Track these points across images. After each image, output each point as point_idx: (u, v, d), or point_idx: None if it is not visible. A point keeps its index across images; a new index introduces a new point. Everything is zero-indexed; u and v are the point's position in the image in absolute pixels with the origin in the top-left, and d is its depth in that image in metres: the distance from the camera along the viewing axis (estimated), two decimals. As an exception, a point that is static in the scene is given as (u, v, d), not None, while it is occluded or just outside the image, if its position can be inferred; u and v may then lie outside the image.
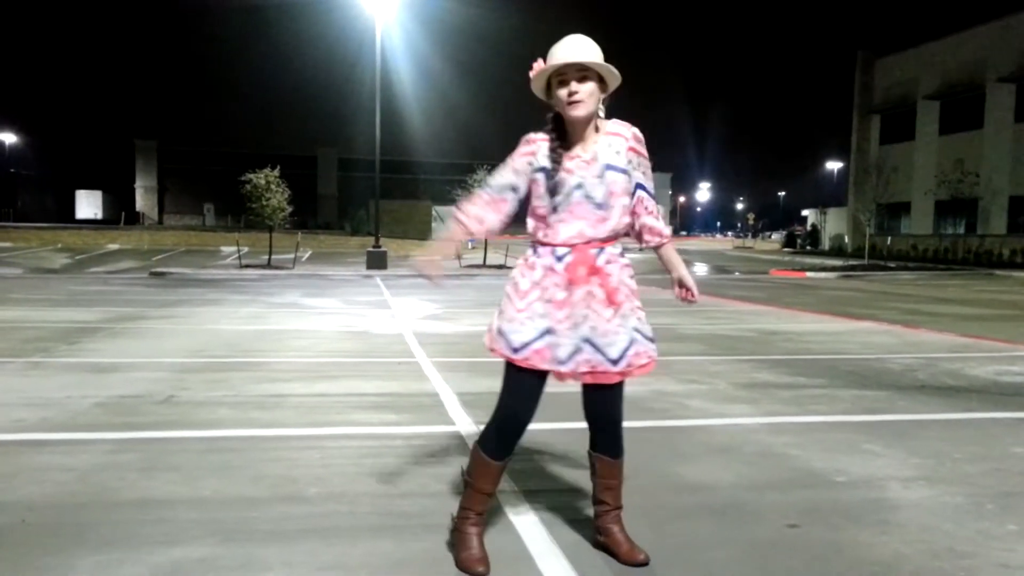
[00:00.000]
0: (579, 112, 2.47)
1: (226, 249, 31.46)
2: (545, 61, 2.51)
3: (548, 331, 2.50)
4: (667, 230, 2.68)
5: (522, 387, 2.55)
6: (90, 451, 3.96)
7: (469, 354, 7.31)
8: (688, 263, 30.99)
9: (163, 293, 14.33)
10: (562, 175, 2.51)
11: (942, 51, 36.89)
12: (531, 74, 2.53)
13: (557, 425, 4.51)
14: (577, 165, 2.51)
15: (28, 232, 39.40)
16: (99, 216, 69.90)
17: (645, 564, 2.64)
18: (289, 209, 22.48)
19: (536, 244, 2.58)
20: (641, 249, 2.83)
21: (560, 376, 2.54)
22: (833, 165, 68.26)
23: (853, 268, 26.18)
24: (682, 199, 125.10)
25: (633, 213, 2.63)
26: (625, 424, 4.66)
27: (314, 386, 5.74)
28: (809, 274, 24.09)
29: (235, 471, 3.68)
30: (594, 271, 2.50)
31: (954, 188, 33.08)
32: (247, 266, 22.25)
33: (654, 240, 2.66)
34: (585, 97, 2.46)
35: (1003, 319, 11.24)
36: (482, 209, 2.63)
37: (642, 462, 3.88)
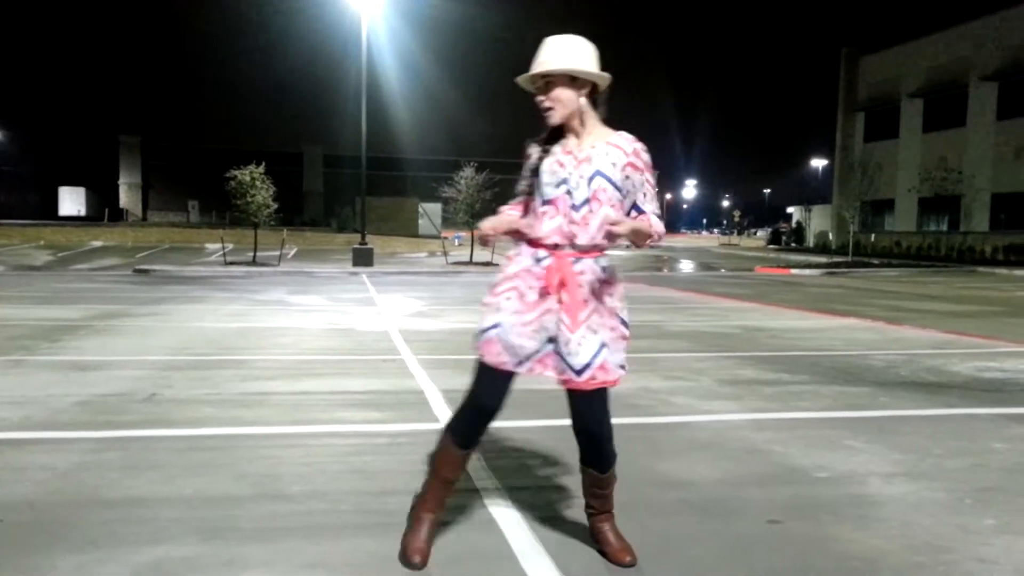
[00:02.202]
0: (552, 119, 2.53)
1: (211, 246, 31.28)
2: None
3: (499, 325, 2.52)
4: (658, 229, 2.58)
5: (486, 378, 2.58)
6: (71, 450, 3.94)
7: (454, 351, 7.31)
8: (674, 260, 30.77)
9: (147, 290, 14.23)
10: (553, 166, 2.54)
11: (926, 49, 37.14)
12: (521, 79, 2.57)
13: (541, 423, 4.53)
14: (568, 161, 2.54)
15: (10, 229, 39.02)
16: (82, 213, 69.29)
17: (631, 566, 2.65)
18: (274, 206, 22.36)
19: (520, 239, 2.61)
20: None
21: (513, 371, 2.56)
22: (818, 163, 68.48)
23: (837, 265, 26.34)
24: (668, 196, 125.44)
25: None
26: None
27: (298, 384, 5.72)
28: (794, 271, 24.24)
29: (218, 470, 3.66)
30: (566, 282, 2.50)
31: (937, 186, 33.34)
32: (232, 263, 22.13)
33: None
34: (553, 103, 2.51)
35: (984, 315, 11.34)
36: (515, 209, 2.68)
37: (625, 458, 3.89)
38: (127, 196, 76.15)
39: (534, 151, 2.62)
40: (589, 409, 2.59)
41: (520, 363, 2.54)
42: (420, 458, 3.89)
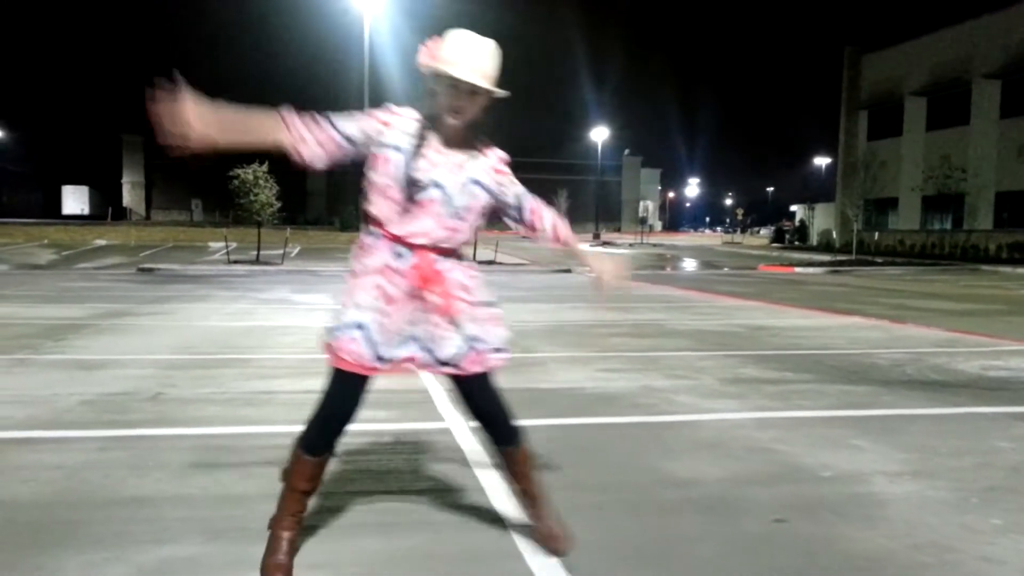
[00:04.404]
0: (459, 122, 2.42)
1: (214, 245, 31.31)
2: (439, 40, 2.39)
3: (362, 326, 2.43)
4: (546, 222, 2.66)
5: (342, 383, 2.52)
6: (77, 449, 3.95)
7: (458, 350, 7.31)
8: (677, 258, 30.58)
9: (151, 289, 14.25)
10: (424, 163, 2.40)
11: (929, 47, 37.09)
12: (423, 58, 2.40)
13: (546, 421, 4.53)
14: (442, 161, 2.44)
15: (14, 228, 39.09)
16: (86, 212, 69.46)
17: (558, 554, 2.66)
18: (278, 205, 22.38)
19: (376, 229, 2.48)
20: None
21: (375, 371, 2.49)
22: (821, 161, 68.66)
23: (841, 263, 26.32)
24: (671, 194, 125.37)
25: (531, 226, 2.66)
26: (613, 419, 4.67)
27: (303, 382, 5.72)
28: (797, 269, 24.22)
29: (223, 469, 3.67)
30: (432, 279, 2.44)
31: (941, 184, 33.29)
32: (235, 262, 22.16)
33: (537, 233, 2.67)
34: (470, 111, 2.42)
35: (989, 314, 11.32)
36: (311, 132, 2.39)
37: (629, 457, 3.90)
38: (130, 195, 76.38)
39: (401, 125, 2.43)
40: (475, 391, 2.59)
41: (382, 361, 2.47)
42: (425, 456, 3.90)
